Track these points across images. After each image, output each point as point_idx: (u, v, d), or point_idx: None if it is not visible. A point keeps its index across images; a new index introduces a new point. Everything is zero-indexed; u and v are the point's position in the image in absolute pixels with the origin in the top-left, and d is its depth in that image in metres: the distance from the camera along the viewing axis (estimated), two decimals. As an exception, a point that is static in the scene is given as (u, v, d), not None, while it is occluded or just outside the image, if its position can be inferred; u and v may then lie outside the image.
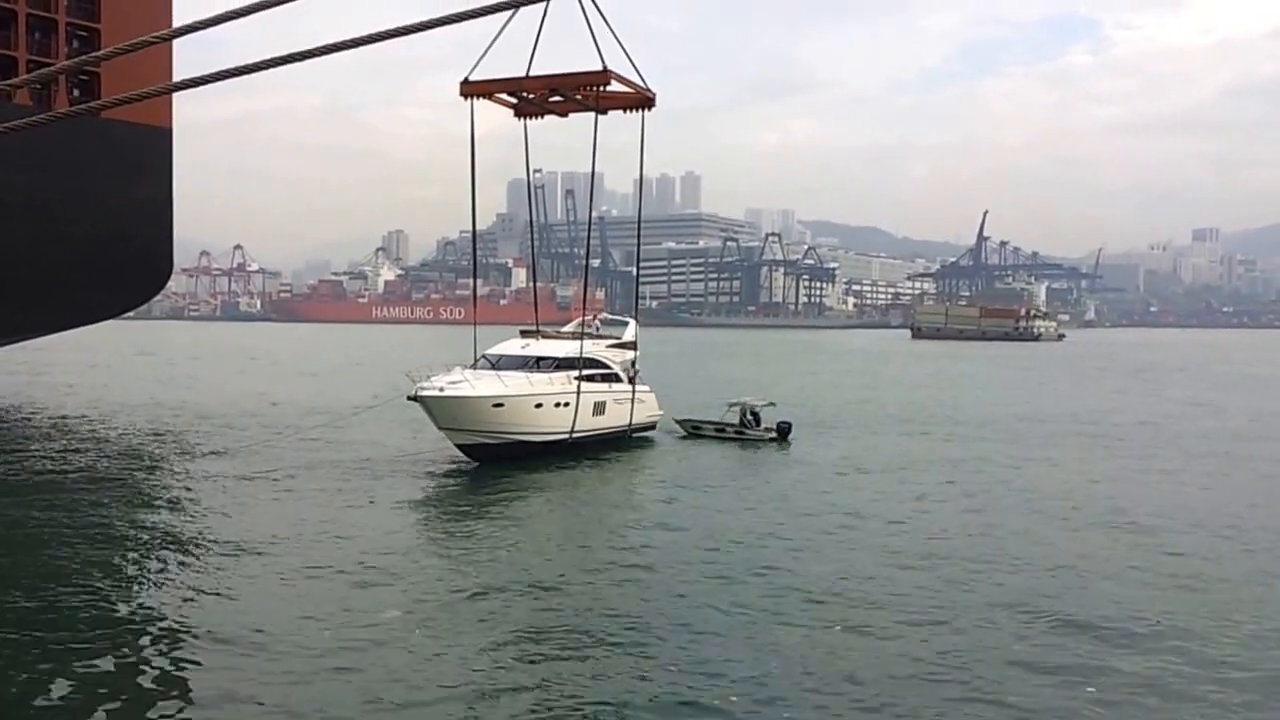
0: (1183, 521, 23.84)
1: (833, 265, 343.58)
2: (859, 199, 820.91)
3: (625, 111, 30.94)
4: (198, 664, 14.03)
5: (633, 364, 37.57)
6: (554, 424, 32.32)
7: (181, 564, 19.32)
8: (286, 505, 24.91)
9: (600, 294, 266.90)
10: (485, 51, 28.25)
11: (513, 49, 27.73)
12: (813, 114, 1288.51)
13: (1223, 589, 18.21)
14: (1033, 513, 24.83)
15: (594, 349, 35.86)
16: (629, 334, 39.69)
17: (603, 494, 28.58)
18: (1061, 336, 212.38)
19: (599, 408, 34.35)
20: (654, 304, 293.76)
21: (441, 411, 30.08)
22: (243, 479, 27.88)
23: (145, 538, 21.37)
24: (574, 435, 32.80)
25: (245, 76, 5.88)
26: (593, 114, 31.18)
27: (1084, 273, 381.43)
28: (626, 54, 28.48)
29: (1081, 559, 20.12)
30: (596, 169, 34.55)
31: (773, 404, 39.64)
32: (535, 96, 30.49)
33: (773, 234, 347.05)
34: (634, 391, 36.15)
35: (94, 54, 6.97)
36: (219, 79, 5.85)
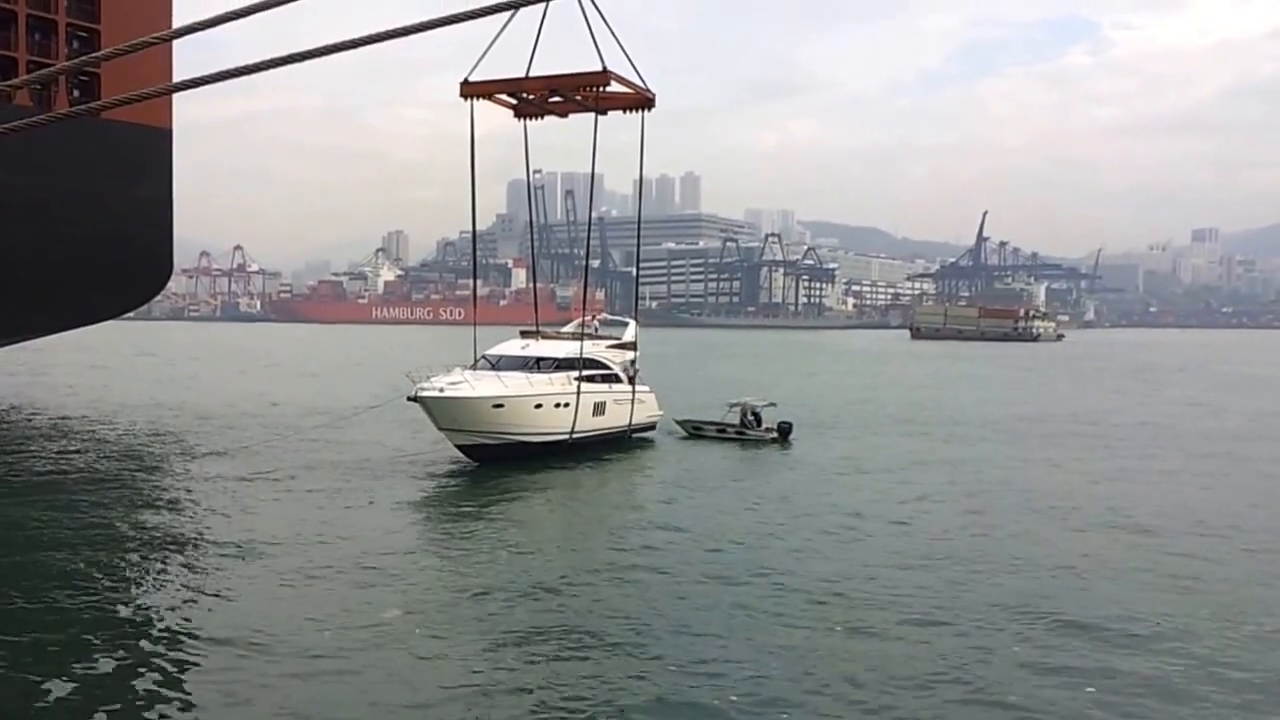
0: (1183, 522, 23.86)
1: (832, 266, 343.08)
2: (858, 200, 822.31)
3: (625, 112, 31.04)
4: (198, 665, 14.02)
5: (632, 364, 37.55)
6: (554, 424, 32.31)
7: (181, 565, 19.32)
8: (286, 506, 24.90)
9: (600, 294, 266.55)
10: (485, 52, 28.34)
11: (513, 49, 27.78)
12: (812, 115, 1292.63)
13: (1223, 589, 18.22)
14: (1033, 513, 24.82)
15: (594, 349, 35.84)
16: (629, 334, 39.67)
17: (603, 494, 28.59)
18: (1061, 337, 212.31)
19: (599, 408, 34.34)
20: (654, 304, 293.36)
21: (441, 412, 30.08)
22: (243, 480, 27.87)
23: (145, 538, 21.36)
24: (574, 436, 32.80)
25: (245, 77, 5.86)
26: (592, 114, 31.26)
27: (1083, 273, 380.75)
28: (626, 54, 28.56)
29: (1082, 559, 20.13)
30: (596, 169, 34.64)
31: (773, 404, 39.64)
32: (535, 97, 30.53)
33: (772, 234, 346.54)
34: (634, 392, 36.16)
35: (94, 55, 6.95)
36: (219, 79, 5.84)
